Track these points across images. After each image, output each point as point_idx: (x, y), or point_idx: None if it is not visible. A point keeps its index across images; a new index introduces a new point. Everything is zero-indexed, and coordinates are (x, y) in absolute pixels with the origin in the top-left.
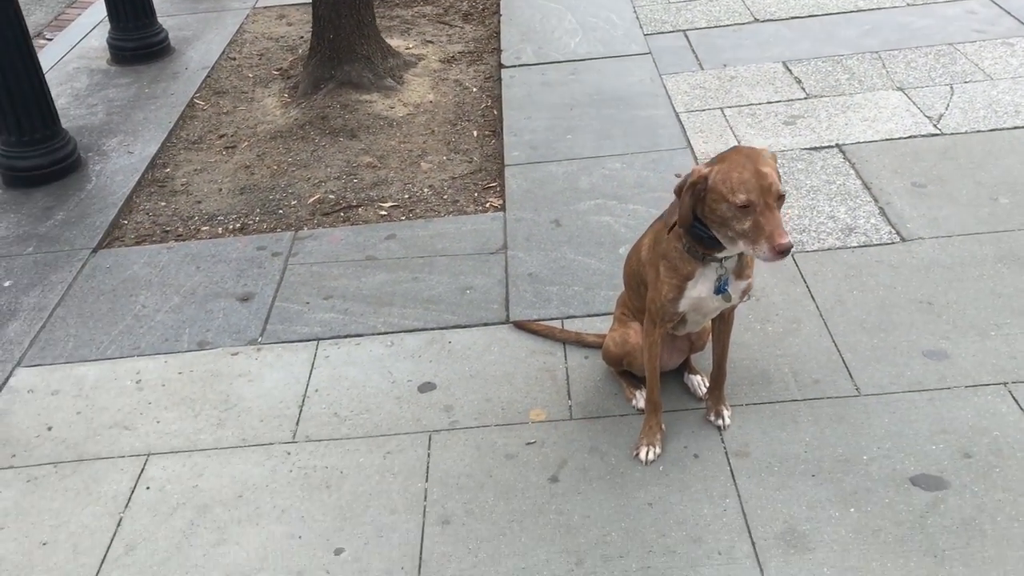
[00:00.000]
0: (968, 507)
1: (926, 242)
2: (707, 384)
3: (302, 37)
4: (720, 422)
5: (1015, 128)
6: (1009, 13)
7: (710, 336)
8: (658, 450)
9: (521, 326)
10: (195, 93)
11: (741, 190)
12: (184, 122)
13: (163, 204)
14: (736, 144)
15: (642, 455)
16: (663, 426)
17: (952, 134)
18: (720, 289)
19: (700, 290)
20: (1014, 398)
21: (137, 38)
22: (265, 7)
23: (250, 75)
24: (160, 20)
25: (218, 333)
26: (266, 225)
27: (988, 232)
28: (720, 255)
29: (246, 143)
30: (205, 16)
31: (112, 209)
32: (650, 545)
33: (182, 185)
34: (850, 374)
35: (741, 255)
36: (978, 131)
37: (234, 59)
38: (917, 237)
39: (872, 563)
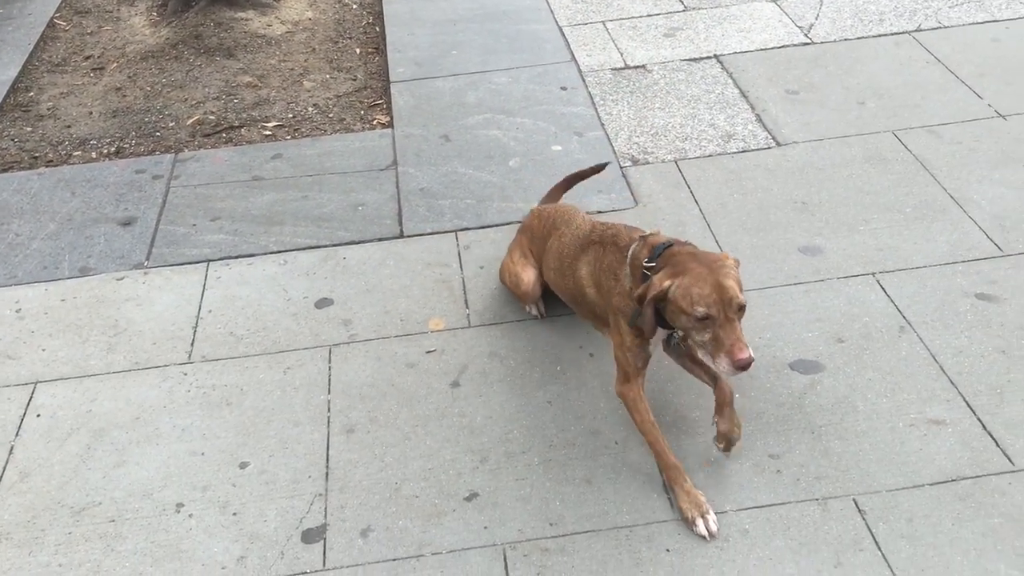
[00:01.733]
0: (841, 387)
1: (800, 146)
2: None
3: None
4: (726, 453)
5: (879, 36)
6: None
7: None
8: (713, 515)
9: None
10: (55, 13)
11: (701, 304)
12: (45, 43)
13: (29, 130)
14: (679, 246)
15: (701, 529)
16: (697, 491)
17: (822, 43)
18: (674, 339)
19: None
20: (881, 286)
21: None
22: None
23: None
24: None
25: (100, 259)
26: (143, 148)
27: (856, 135)
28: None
29: (115, 64)
30: None
31: None
32: (551, 440)
33: (48, 109)
34: None
35: None
36: (846, 39)
37: None
38: (791, 141)
39: (756, 443)
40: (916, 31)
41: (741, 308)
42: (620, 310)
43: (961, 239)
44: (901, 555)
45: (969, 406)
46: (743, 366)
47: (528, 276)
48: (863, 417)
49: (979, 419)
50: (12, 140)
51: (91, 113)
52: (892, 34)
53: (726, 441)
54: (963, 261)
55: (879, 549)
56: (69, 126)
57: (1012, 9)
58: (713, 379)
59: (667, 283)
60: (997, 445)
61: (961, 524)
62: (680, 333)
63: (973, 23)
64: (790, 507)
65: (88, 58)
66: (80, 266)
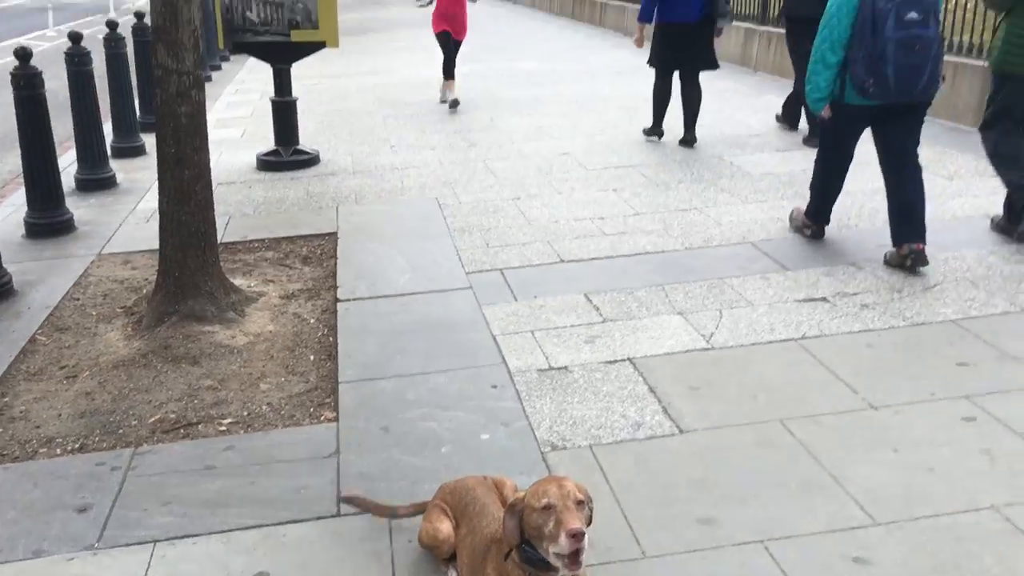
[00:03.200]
0: None
1: (699, 432)
2: None
3: (147, 279)
4: None
5: (770, 342)
6: (766, 254)
7: None
8: None
9: (348, 500)
10: (37, 330)
11: (544, 496)
12: (25, 356)
13: (0, 431)
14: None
15: None
16: None
17: (721, 348)
18: None
19: None
20: (769, 552)
21: None
22: (111, 253)
23: (93, 313)
24: (4, 266)
25: (54, 542)
26: (106, 444)
27: (748, 423)
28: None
29: (87, 372)
30: (50, 262)
31: None
32: None
33: (21, 412)
34: (637, 540)
35: None
36: (742, 345)
37: (78, 299)
38: (693, 429)
39: None
40: (802, 338)
41: (579, 502)
42: None
43: (838, 510)
44: None
45: None
46: (573, 533)
47: (445, 527)
48: None
49: None
50: None
51: (60, 415)
52: (781, 341)
53: None
54: (840, 530)
55: None
56: (38, 426)
57: (882, 320)
58: None
59: (521, 494)
60: None
61: None
62: (540, 547)
63: (850, 332)
64: None
65: (63, 367)
66: (34, 548)
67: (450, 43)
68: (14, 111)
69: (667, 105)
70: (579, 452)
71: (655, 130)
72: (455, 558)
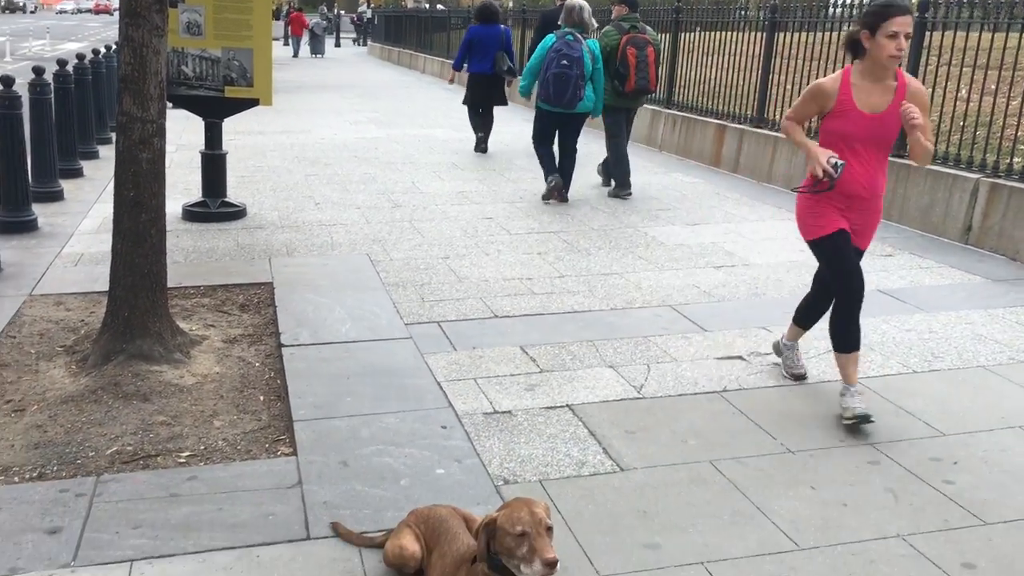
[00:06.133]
0: None
1: (639, 471)
2: None
3: (83, 320)
4: None
5: (695, 394)
6: (685, 317)
7: None
8: None
9: (335, 528)
10: None
11: (519, 524)
12: None
13: None
14: (513, 498)
15: None
16: None
17: (652, 397)
18: None
19: None
20: (708, 572)
21: None
22: (42, 295)
23: (32, 351)
24: None
25: (29, 560)
26: (65, 473)
27: (682, 463)
28: None
29: (36, 407)
30: None
31: None
32: None
33: None
34: (591, 562)
35: None
36: (670, 395)
37: (14, 337)
38: (632, 467)
39: None
40: (723, 391)
41: (549, 528)
42: None
43: (767, 537)
44: None
45: None
46: (550, 563)
47: (411, 545)
48: None
49: None
50: None
51: (13, 446)
52: (705, 392)
53: None
54: (769, 553)
55: None
56: None
57: (803, 372)
58: None
59: (495, 515)
60: None
61: None
62: (510, 563)
63: (766, 386)
64: None
65: (8, 402)
66: (10, 567)
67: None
68: None
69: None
70: (530, 486)
71: (479, 145)
72: (420, 575)
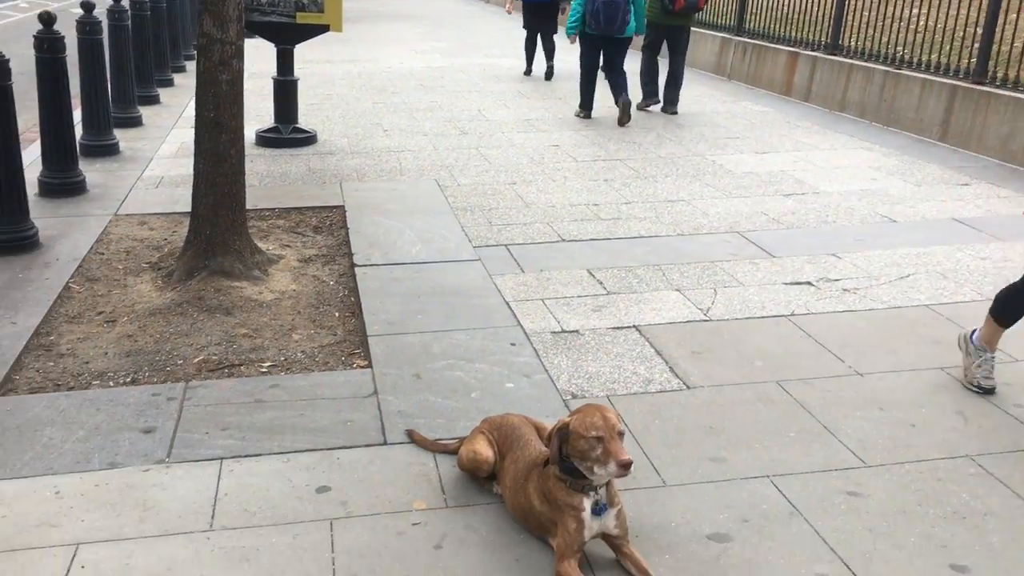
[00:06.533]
0: (747, 552)
1: (705, 389)
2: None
3: (165, 239)
4: None
5: (763, 317)
6: (753, 243)
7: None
8: None
9: (411, 435)
10: (69, 279)
11: (593, 429)
12: (62, 302)
13: (51, 364)
14: (584, 404)
15: None
16: None
17: (718, 320)
18: (598, 511)
19: (587, 515)
20: (775, 485)
21: (10, 232)
22: (127, 214)
23: (120, 267)
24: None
25: (126, 456)
26: (156, 379)
27: (748, 383)
28: (592, 483)
29: (126, 318)
30: (68, 219)
31: (3, 367)
32: None
33: (67, 350)
34: (658, 472)
35: (608, 485)
36: (736, 319)
37: (102, 254)
38: (699, 386)
39: None
40: (791, 315)
41: (621, 433)
42: (553, 496)
43: (833, 455)
44: None
45: (846, 565)
46: (626, 464)
47: (485, 450)
48: (765, 572)
49: (853, 573)
50: (37, 371)
51: (106, 353)
52: (772, 316)
53: None
54: (836, 469)
55: None
56: (87, 362)
57: (863, 303)
58: (644, 573)
59: (567, 419)
60: None
61: None
62: (581, 464)
63: (835, 311)
64: None
65: (100, 313)
66: (109, 461)
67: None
68: (35, 72)
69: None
70: (597, 401)
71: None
72: (493, 479)
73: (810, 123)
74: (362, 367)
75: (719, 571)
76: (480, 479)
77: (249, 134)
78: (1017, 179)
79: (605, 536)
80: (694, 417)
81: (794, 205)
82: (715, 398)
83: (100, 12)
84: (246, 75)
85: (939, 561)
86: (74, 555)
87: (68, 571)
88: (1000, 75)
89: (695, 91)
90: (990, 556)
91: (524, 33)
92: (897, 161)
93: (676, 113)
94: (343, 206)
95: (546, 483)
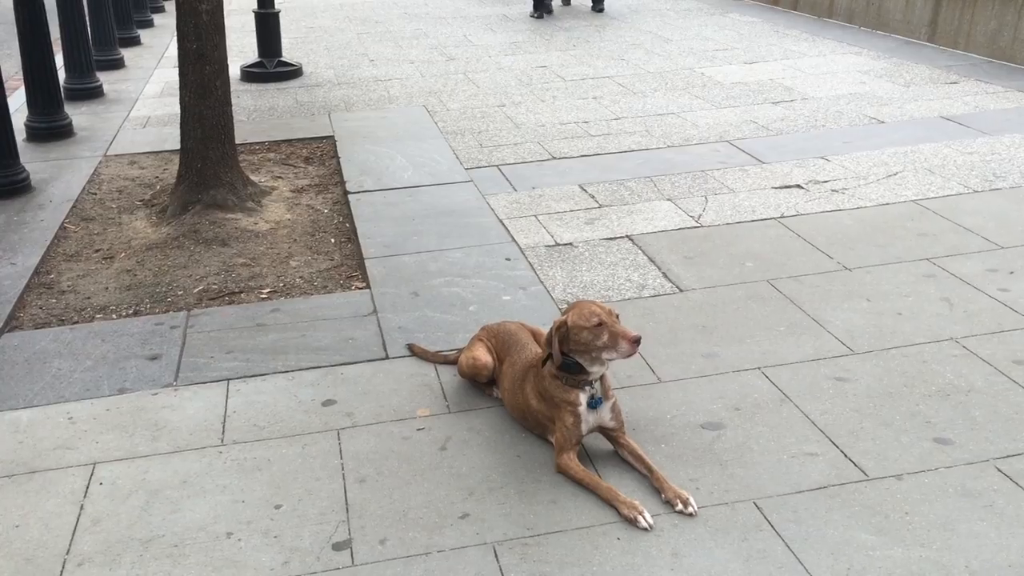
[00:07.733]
0: (740, 437)
1: (697, 291)
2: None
3: (157, 177)
4: (689, 509)
5: (752, 221)
6: (743, 151)
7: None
8: (648, 513)
9: (411, 348)
10: (64, 219)
11: (594, 316)
12: (59, 241)
13: (53, 301)
14: (575, 301)
15: (643, 523)
16: (631, 499)
17: (710, 226)
18: (593, 404)
19: (583, 410)
20: (766, 375)
21: (2, 176)
22: (116, 155)
23: (113, 205)
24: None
25: (135, 382)
26: (158, 309)
27: (740, 283)
28: (588, 378)
29: (123, 254)
30: (58, 162)
31: (7, 305)
32: (522, 479)
33: (68, 286)
34: (653, 370)
35: (602, 379)
36: (727, 224)
37: (95, 194)
38: (691, 288)
39: (679, 472)
40: (781, 218)
41: (617, 316)
42: (550, 394)
43: (822, 345)
44: (790, 531)
45: (834, 443)
46: (636, 340)
47: (484, 356)
48: (757, 454)
49: (841, 451)
50: (40, 308)
51: (107, 288)
52: (762, 220)
53: (681, 499)
54: (824, 358)
55: (774, 528)
56: (89, 298)
57: (851, 202)
58: (648, 470)
59: (563, 318)
60: (855, 465)
61: (832, 511)
62: (584, 358)
63: (823, 212)
64: (707, 508)
65: (98, 251)
66: (118, 388)
67: None
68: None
69: None
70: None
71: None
72: (492, 384)
73: (798, 31)
74: (360, 288)
75: (713, 456)
76: (480, 384)
77: (234, 70)
78: (1006, 74)
79: (602, 429)
80: (687, 318)
81: (783, 112)
82: (707, 299)
83: None
84: (226, 11)
85: (924, 435)
86: (92, 473)
87: (88, 487)
88: None
89: (683, 4)
90: (973, 429)
91: None
92: (886, 64)
93: (602, 11)
94: (333, 136)
95: (542, 382)
